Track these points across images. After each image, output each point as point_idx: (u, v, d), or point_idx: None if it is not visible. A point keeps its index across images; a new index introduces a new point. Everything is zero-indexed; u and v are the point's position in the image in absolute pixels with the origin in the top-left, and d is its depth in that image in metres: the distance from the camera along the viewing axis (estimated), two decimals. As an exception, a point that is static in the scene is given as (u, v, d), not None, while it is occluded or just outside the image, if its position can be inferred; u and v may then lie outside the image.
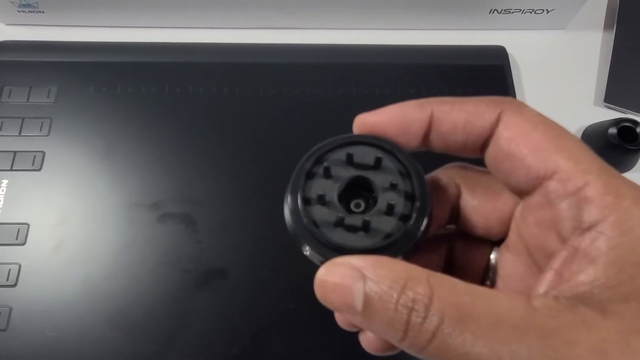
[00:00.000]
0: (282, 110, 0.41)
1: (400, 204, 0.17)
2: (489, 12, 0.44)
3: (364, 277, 0.15)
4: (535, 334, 0.14)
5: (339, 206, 0.17)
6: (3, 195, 0.37)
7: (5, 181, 0.37)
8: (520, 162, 0.17)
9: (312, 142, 0.39)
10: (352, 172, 0.18)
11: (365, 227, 0.17)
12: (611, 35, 0.45)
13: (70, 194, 0.37)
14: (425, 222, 0.17)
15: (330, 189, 0.17)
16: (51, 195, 0.37)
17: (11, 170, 0.38)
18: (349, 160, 0.18)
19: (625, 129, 0.38)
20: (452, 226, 0.21)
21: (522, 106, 0.18)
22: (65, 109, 0.40)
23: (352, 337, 0.33)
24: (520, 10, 0.43)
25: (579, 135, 0.42)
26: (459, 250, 0.21)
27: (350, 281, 0.15)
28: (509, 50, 0.44)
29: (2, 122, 0.39)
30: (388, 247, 0.16)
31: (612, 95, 0.43)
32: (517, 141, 0.17)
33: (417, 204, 0.17)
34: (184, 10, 0.43)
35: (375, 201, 0.17)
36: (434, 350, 0.14)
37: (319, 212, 0.17)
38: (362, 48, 0.44)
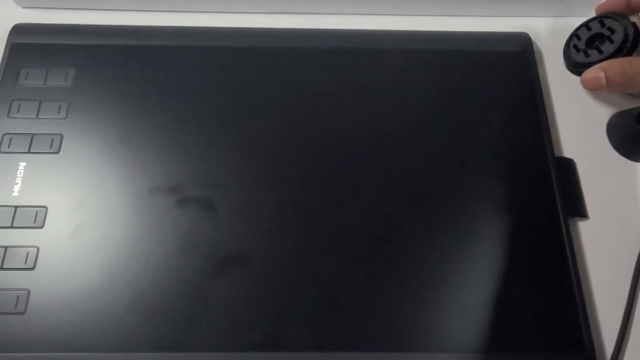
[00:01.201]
0: (304, 95, 0.40)
1: (614, 40, 0.37)
2: (513, -2, 0.43)
3: (603, 69, 0.36)
4: None
5: (585, 49, 0.39)
6: (21, 178, 0.36)
7: (22, 164, 0.37)
8: None
9: (334, 126, 0.39)
10: (591, 33, 0.38)
11: (599, 52, 0.38)
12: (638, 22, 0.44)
13: (88, 177, 0.37)
14: (628, 46, 0.37)
15: (581, 43, 0.39)
16: (69, 179, 0.36)
17: (29, 152, 0.37)
18: (589, 28, 0.39)
19: (653, 116, 0.39)
20: None
21: None
22: (83, 92, 0.39)
23: (375, 325, 0.33)
24: (545, -5, 0.43)
25: (604, 123, 0.41)
26: None
27: (597, 73, 0.37)
28: (532, 37, 0.43)
29: (20, 105, 0.39)
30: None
31: (639, 83, 0.42)
32: None
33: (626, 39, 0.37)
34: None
35: (604, 42, 0.38)
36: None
37: (578, 55, 0.39)
38: (384, 34, 0.43)
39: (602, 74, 0.36)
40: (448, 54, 0.42)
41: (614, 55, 0.37)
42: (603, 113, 0.41)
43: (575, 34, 0.39)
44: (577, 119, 0.41)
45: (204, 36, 0.42)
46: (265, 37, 0.42)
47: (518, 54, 0.42)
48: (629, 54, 0.36)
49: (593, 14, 0.40)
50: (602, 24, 0.37)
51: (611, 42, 0.37)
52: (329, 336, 0.33)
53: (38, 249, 0.34)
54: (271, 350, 0.32)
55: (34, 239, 0.35)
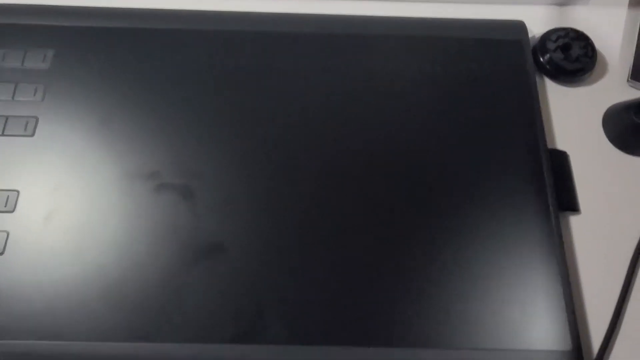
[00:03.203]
0: (289, 82, 0.39)
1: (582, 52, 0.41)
2: (509, -16, 0.41)
3: None
4: None
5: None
6: (-7, 161, 0.35)
7: (-5, 146, 0.36)
8: None
9: (320, 114, 0.37)
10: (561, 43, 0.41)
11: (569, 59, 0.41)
12: (637, 12, 0.42)
13: (63, 162, 0.35)
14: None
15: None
16: (43, 163, 0.35)
17: (2, 135, 0.36)
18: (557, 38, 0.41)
19: (651, 108, 0.38)
20: None
21: None
22: (61, 74, 0.38)
23: (354, 318, 0.32)
24: (542, -18, 0.41)
25: (600, 115, 0.40)
26: None
27: None
28: (528, 25, 0.42)
29: (-5, 86, 0.37)
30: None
31: (638, 74, 0.40)
32: None
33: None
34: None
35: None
36: None
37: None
38: (376, 20, 0.42)
39: None
40: (440, 41, 0.40)
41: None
42: (599, 104, 0.40)
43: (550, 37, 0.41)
44: (572, 110, 0.40)
45: (190, 19, 0.41)
46: (248, 22, 0.41)
47: (513, 42, 0.41)
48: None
49: (597, 2, 0.43)
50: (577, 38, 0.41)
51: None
52: (308, 331, 0.32)
53: (8, 234, 0.33)
54: (248, 343, 0.31)
55: (4, 224, 0.33)
